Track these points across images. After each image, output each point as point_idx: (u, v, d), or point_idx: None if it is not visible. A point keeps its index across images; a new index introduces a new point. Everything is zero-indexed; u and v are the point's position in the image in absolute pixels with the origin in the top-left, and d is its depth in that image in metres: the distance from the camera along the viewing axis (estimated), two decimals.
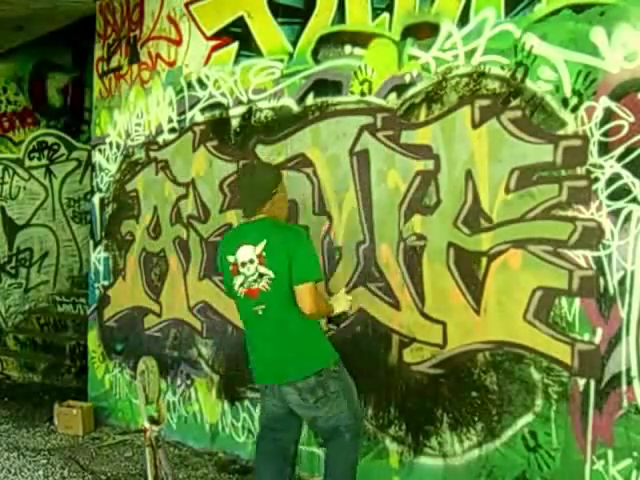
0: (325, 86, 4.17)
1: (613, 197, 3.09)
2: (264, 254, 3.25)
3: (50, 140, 8.07)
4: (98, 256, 5.84)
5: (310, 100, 4.25)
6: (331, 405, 3.30)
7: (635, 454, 3.05)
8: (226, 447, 4.81)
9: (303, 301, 3.22)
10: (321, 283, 3.54)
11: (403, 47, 3.81)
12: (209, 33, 4.86)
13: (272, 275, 3.24)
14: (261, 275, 3.26)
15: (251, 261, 3.28)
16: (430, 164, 3.71)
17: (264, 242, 3.25)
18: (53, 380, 6.94)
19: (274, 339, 3.32)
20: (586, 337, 3.19)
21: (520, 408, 3.41)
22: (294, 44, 4.32)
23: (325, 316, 3.45)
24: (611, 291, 3.11)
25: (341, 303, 3.48)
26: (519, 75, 3.36)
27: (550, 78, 3.26)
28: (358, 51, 4.00)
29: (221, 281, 4.77)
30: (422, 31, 3.74)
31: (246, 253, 3.30)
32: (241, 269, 3.31)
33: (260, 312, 3.31)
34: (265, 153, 4.51)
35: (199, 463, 4.73)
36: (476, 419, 3.57)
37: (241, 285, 3.33)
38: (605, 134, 3.10)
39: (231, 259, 3.35)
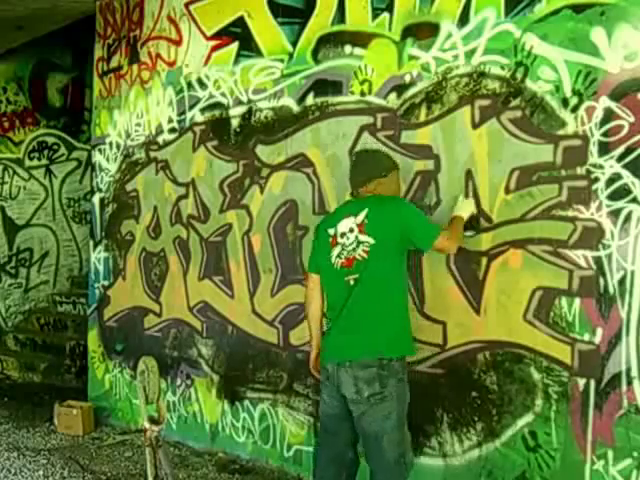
0: (325, 86, 4.17)
1: (613, 197, 3.09)
2: (365, 221, 3.22)
3: (50, 140, 8.07)
4: (98, 256, 5.84)
5: (310, 100, 4.26)
6: (383, 407, 3.15)
7: (635, 454, 3.05)
8: (226, 447, 4.81)
9: (445, 250, 3.33)
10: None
11: (403, 47, 3.81)
12: (209, 33, 4.86)
13: (372, 241, 3.18)
14: (359, 243, 3.21)
15: (351, 230, 3.25)
16: (430, 164, 3.71)
17: (366, 210, 3.24)
18: (53, 380, 6.94)
19: (358, 309, 3.22)
20: (586, 337, 3.19)
21: (520, 408, 3.41)
22: (294, 44, 4.32)
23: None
24: (611, 291, 3.11)
25: (466, 208, 3.43)
26: (519, 75, 3.36)
27: (550, 78, 3.26)
28: (358, 51, 4.00)
29: (221, 281, 4.80)
30: (422, 31, 3.74)
31: (346, 224, 3.29)
32: (340, 239, 3.29)
33: (352, 282, 3.23)
34: (265, 153, 4.52)
35: (199, 463, 4.73)
36: (476, 419, 3.57)
37: (338, 256, 3.29)
38: (605, 134, 3.10)
39: (331, 231, 3.35)
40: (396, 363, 3.20)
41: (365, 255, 3.20)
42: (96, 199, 5.90)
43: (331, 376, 3.28)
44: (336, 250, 3.30)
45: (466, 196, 3.50)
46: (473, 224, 3.46)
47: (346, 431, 3.34)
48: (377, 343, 3.18)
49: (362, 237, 3.21)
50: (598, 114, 3.12)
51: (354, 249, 3.23)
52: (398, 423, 3.20)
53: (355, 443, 3.40)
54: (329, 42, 4.15)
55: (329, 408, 3.35)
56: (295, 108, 4.34)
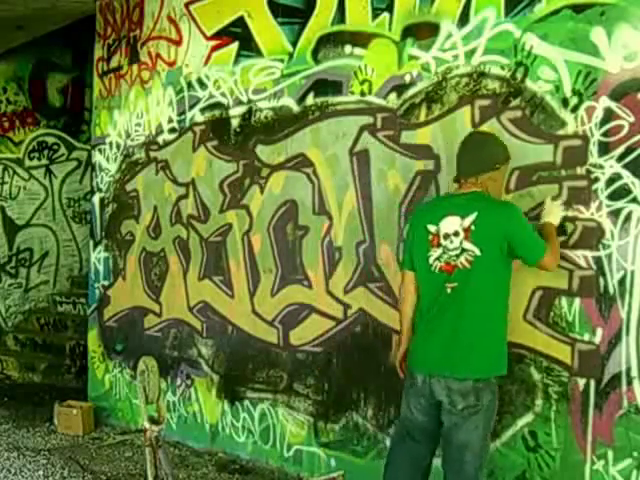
0: (325, 86, 4.17)
1: (613, 197, 3.09)
2: (472, 228, 2.98)
3: (50, 140, 8.07)
4: (98, 256, 5.84)
5: (310, 100, 4.26)
6: (474, 419, 3.03)
7: (635, 454, 3.05)
8: (226, 447, 4.81)
9: (548, 269, 3.09)
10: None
11: (403, 47, 3.81)
12: (209, 33, 4.86)
13: (477, 252, 2.97)
14: (463, 250, 2.99)
15: (456, 234, 3.00)
16: (430, 164, 3.71)
17: (474, 215, 2.99)
18: (53, 380, 6.94)
19: (456, 322, 3.03)
20: (586, 337, 3.19)
21: (520, 408, 3.41)
22: (294, 44, 4.32)
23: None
24: (611, 291, 3.10)
25: (555, 212, 3.17)
26: (519, 75, 3.36)
27: (550, 78, 3.26)
28: (358, 51, 4.00)
29: (221, 281, 4.79)
30: (422, 31, 3.74)
31: (452, 224, 3.02)
32: (443, 241, 3.04)
33: (449, 290, 3.03)
34: (265, 153, 4.52)
35: (199, 463, 4.73)
36: None
37: (438, 259, 3.07)
38: (605, 134, 3.10)
39: (432, 229, 3.08)
40: (493, 381, 3.08)
41: (467, 265, 3.00)
42: (96, 199, 5.89)
43: (420, 386, 3.14)
44: (437, 252, 3.07)
45: (553, 198, 3.23)
46: (563, 228, 3.22)
47: (430, 439, 3.23)
48: (475, 362, 3.03)
49: (467, 244, 2.99)
50: (598, 114, 3.12)
51: (457, 256, 3.01)
52: (484, 434, 3.09)
53: (435, 450, 3.28)
54: (329, 42, 4.15)
55: (414, 417, 3.21)
56: (295, 108, 4.34)
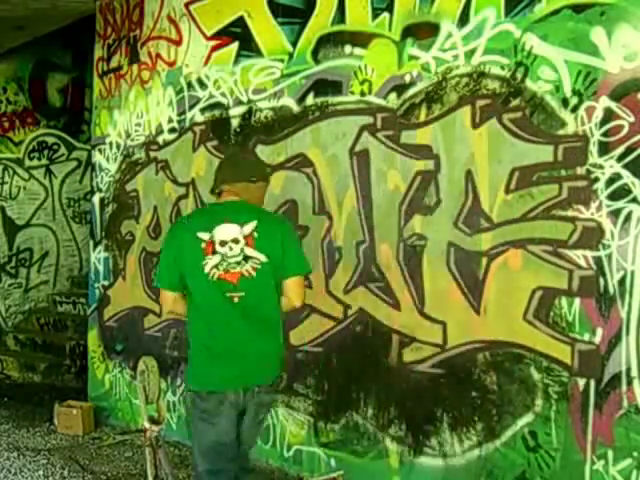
0: (325, 86, 4.17)
1: (613, 197, 3.09)
2: (255, 235, 2.92)
3: (50, 140, 8.07)
4: (98, 256, 5.84)
5: (310, 100, 4.25)
6: (260, 427, 3.16)
7: (635, 454, 3.05)
8: None
9: (297, 293, 3.02)
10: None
11: (403, 47, 3.81)
12: (209, 33, 4.86)
13: (263, 259, 2.91)
14: (247, 258, 2.91)
15: (235, 241, 2.90)
16: (430, 164, 3.71)
17: (255, 222, 2.94)
18: (53, 380, 6.94)
19: (251, 332, 2.94)
20: (586, 337, 3.19)
21: (520, 408, 3.41)
22: (294, 44, 4.32)
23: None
24: (611, 291, 3.10)
25: None
26: (519, 75, 3.36)
27: (550, 78, 3.26)
28: (358, 51, 4.00)
29: None
30: (422, 31, 3.74)
31: (229, 232, 2.92)
32: (219, 248, 2.91)
33: (236, 300, 2.92)
34: (265, 153, 4.51)
35: None
36: (476, 419, 3.57)
37: (215, 267, 2.91)
38: (605, 134, 3.10)
39: (204, 236, 2.92)
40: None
41: (253, 273, 2.91)
42: (96, 199, 5.89)
43: (234, 402, 2.96)
44: (213, 260, 2.91)
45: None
46: None
47: (237, 453, 3.11)
48: (277, 367, 3.06)
49: (250, 252, 2.91)
50: (598, 114, 3.12)
51: (239, 263, 2.90)
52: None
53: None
54: (329, 42, 4.15)
55: (228, 427, 3.00)
56: (295, 108, 4.34)
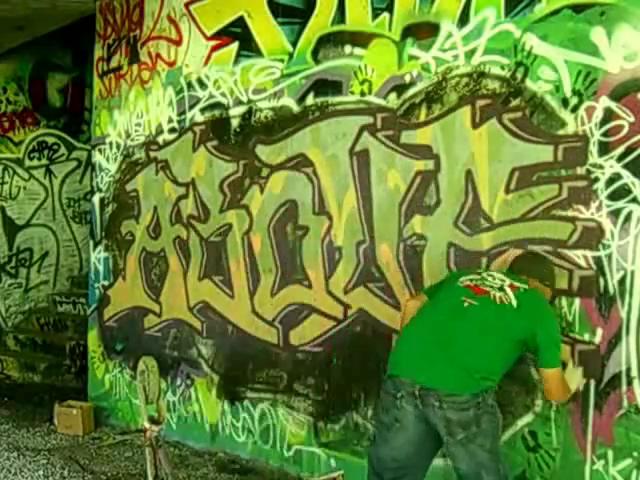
0: (325, 86, 4.17)
1: (613, 197, 3.09)
2: (521, 290, 3.04)
3: (50, 140, 8.06)
4: (98, 256, 5.83)
5: (310, 100, 4.25)
6: (479, 442, 2.95)
7: (635, 454, 3.05)
8: (226, 447, 4.81)
9: (552, 388, 3.03)
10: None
11: (403, 47, 3.81)
12: (209, 33, 4.86)
13: (514, 303, 2.98)
14: (502, 289, 3.02)
15: (503, 280, 3.08)
16: (430, 164, 3.71)
17: (525, 286, 3.07)
18: (53, 380, 6.93)
19: (463, 337, 2.97)
20: (586, 337, 3.19)
21: (520, 408, 3.41)
22: (294, 44, 4.32)
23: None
24: (611, 291, 3.10)
25: (574, 380, 3.15)
26: (519, 75, 3.36)
27: (550, 78, 3.26)
28: (358, 51, 4.00)
29: (221, 281, 4.79)
30: (422, 31, 3.74)
31: (502, 277, 3.12)
32: (484, 275, 3.14)
33: (467, 304, 3.01)
34: (265, 153, 4.52)
35: (199, 463, 4.72)
36: None
37: (470, 280, 3.10)
38: (605, 134, 3.10)
39: (469, 278, 3.14)
40: (489, 398, 3.00)
41: (498, 301, 2.99)
42: (96, 199, 5.89)
43: (414, 402, 2.98)
44: (471, 277, 3.12)
45: (574, 365, 3.21)
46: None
47: (420, 469, 3.16)
48: (474, 381, 2.95)
49: (509, 291, 3.01)
50: (598, 114, 3.12)
51: (492, 287, 3.03)
52: (494, 454, 3.03)
53: None
54: (329, 42, 4.15)
55: (408, 437, 3.06)
56: (295, 108, 4.34)
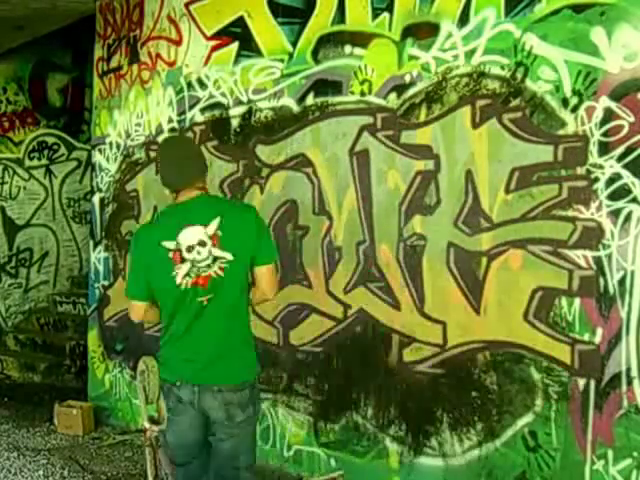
0: (325, 86, 4.17)
1: (613, 197, 3.09)
2: (219, 233, 2.79)
3: (50, 140, 8.06)
4: (98, 256, 5.83)
5: (310, 100, 4.25)
6: (247, 430, 2.96)
7: (635, 454, 3.05)
8: None
9: (270, 282, 2.92)
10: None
11: (403, 47, 3.81)
12: (209, 33, 4.86)
13: (230, 257, 2.79)
14: (215, 259, 2.78)
15: (202, 243, 2.78)
16: (430, 164, 3.71)
17: (218, 219, 2.79)
18: (53, 380, 6.93)
19: (217, 333, 2.86)
20: (586, 337, 3.19)
21: (520, 408, 3.41)
22: (294, 44, 4.32)
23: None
24: (611, 291, 3.11)
25: None
26: (519, 75, 3.36)
27: (550, 78, 3.26)
28: (358, 51, 4.00)
29: None
30: (422, 31, 3.74)
31: (193, 235, 2.79)
32: (187, 255, 2.79)
33: (205, 303, 2.83)
34: (265, 153, 4.51)
35: None
36: (476, 419, 3.57)
37: (187, 275, 2.81)
38: (605, 134, 3.10)
39: (170, 245, 2.80)
40: (256, 383, 2.97)
41: (221, 273, 2.79)
42: (96, 199, 5.89)
43: (193, 398, 2.92)
44: (183, 268, 2.80)
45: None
46: None
47: (204, 452, 3.06)
48: (246, 368, 2.94)
49: (217, 252, 2.78)
50: (598, 114, 3.12)
51: (209, 266, 2.78)
52: (253, 449, 3.07)
53: (208, 469, 3.10)
54: (329, 42, 4.15)
55: (190, 424, 2.99)
56: (295, 108, 4.34)
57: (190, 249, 2.79)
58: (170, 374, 2.98)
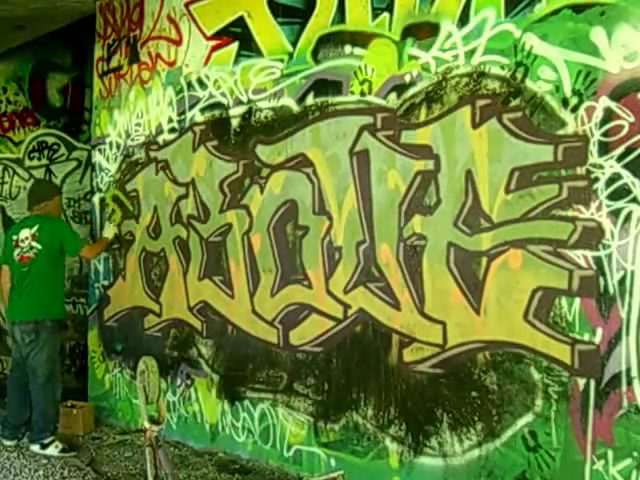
0: (325, 86, 4.17)
1: (613, 197, 3.09)
2: (37, 234, 5.05)
3: (50, 140, 8.03)
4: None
5: (310, 100, 4.26)
6: (38, 350, 4.96)
7: (635, 454, 3.05)
8: (226, 447, 4.81)
9: (87, 255, 5.54)
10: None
11: (403, 47, 3.81)
12: (209, 33, 4.86)
13: (39, 247, 5.03)
14: (31, 247, 5.05)
15: (27, 238, 5.08)
16: (430, 164, 3.71)
17: (37, 225, 5.08)
18: None
19: (26, 288, 5.05)
20: (586, 337, 3.19)
21: (520, 408, 3.41)
22: (294, 44, 4.32)
23: (105, 247, 5.56)
24: (611, 291, 3.11)
25: (109, 231, 5.55)
26: (519, 75, 3.36)
27: (550, 78, 3.26)
28: (358, 51, 4.01)
29: (221, 281, 4.82)
30: (422, 31, 3.74)
31: (24, 233, 5.11)
32: (20, 244, 5.10)
33: (24, 270, 5.06)
34: (265, 153, 4.52)
35: (199, 463, 4.73)
36: (476, 419, 3.57)
37: (18, 254, 5.09)
38: (605, 134, 3.10)
39: (14, 237, 5.15)
40: (48, 322, 5.00)
41: (33, 256, 5.05)
42: (96, 199, 5.90)
43: (12, 327, 5.12)
44: (17, 250, 5.11)
45: (108, 219, 5.66)
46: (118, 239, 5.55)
47: (23, 364, 5.08)
48: (34, 311, 5.00)
49: (33, 243, 5.05)
50: (598, 114, 3.12)
51: (27, 251, 5.06)
52: (48, 363, 4.99)
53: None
54: (329, 42, 4.15)
55: (15, 345, 5.16)
56: (295, 108, 4.34)
57: (22, 241, 5.12)
58: (8, 314, 5.21)
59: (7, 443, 5.11)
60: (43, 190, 5.42)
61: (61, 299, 5.21)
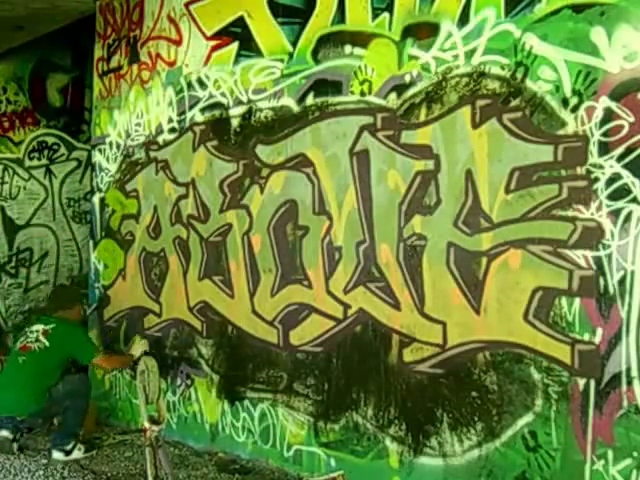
0: (325, 86, 4.17)
1: (613, 197, 3.09)
2: (49, 331, 4.88)
3: (50, 140, 8.04)
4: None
5: (310, 100, 4.26)
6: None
7: (635, 454, 3.05)
8: (226, 447, 4.81)
9: (102, 366, 5.42)
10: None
11: (403, 47, 3.81)
12: (209, 33, 4.86)
13: (46, 344, 4.84)
14: (37, 340, 4.88)
15: (37, 331, 4.92)
16: (430, 164, 3.71)
17: (53, 325, 4.93)
18: None
19: (16, 380, 4.82)
20: (586, 337, 3.19)
21: (520, 408, 3.41)
22: (294, 44, 4.32)
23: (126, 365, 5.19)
24: (611, 291, 3.10)
25: (136, 348, 4.76)
26: (519, 75, 3.36)
27: (550, 78, 3.26)
28: (358, 51, 4.01)
29: (221, 281, 4.82)
30: (422, 31, 3.74)
31: (37, 327, 4.98)
32: (28, 333, 4.97)
33: (20, 360, 4.85)
34: (265, 153, 4.52)
35: (199, 463, 4.73)
36: (476, 419, 3.57)
37: (21, 342, 4.94)
38: (605, 134, 3.10)
39: (26, 328, 5.10)
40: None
41: (36, 349, 4.84)
42: (96, 199, 5.90)
43: None
44: (22, 338, 5.00)
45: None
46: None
47: None
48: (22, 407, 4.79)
49: (41, 337, 4.87)
50: (598, 114, 3.12)
51: (32, 341, 4.89)
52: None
53: None
54: (329, 42, 4.15)
55: None
56: (295, 108, 4.34)
57: (31, 332, 4.98)
58: None
59: (3, 433, 5.01)
60: (65, 298, 5.28)
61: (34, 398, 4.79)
